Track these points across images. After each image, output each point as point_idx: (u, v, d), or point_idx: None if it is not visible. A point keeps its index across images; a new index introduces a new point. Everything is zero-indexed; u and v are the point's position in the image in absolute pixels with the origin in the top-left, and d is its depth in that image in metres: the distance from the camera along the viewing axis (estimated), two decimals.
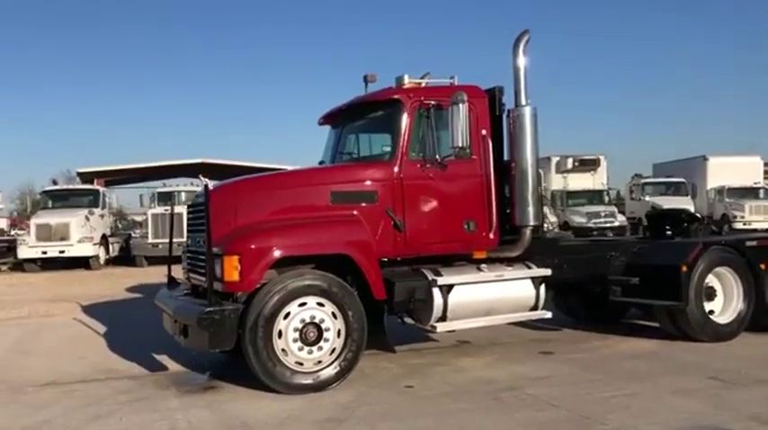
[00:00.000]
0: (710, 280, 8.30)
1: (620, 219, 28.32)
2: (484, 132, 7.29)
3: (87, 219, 21.96)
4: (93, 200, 23.40)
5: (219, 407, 5.98)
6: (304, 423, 5.43)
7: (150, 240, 21.85)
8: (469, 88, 7.34)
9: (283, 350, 6.20)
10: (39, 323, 11.24)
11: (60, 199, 23.69)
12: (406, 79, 7.31)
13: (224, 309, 6.06)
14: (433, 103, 7.04)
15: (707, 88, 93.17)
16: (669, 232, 9.58)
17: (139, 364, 7.75)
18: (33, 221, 21.96)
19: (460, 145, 6.73)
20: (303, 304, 6.27)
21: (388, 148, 7.12)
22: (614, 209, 28.98)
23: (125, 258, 24.18)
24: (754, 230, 26.54)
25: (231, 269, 6.07)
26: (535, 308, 7.45)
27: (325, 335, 6.32)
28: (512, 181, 7.43)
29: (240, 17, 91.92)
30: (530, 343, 8.53)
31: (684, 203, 28.57)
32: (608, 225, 27.48)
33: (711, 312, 8.28)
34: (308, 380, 6.27)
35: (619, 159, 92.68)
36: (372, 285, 6.53)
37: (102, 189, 24.95)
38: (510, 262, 7.48)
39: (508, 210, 7.59)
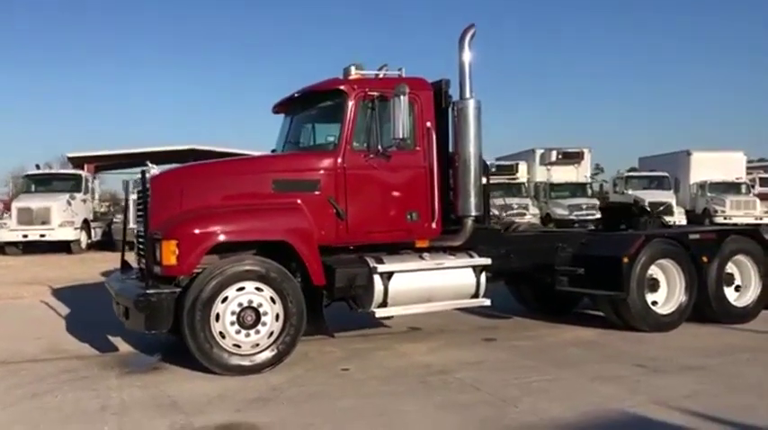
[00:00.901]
0: (654, 271, 8.50)
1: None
2: (428, 124, 7.46)
3: (69, 203, 22.08)
4: (75, 185, 23.49)
5: (156, 386, 6.17)
6: (231, 402, 5.62)
7: (132, 225, 21.87)
8: (414, 80, 7.51)
9: (221, 333, 6.38)
10: (5, 305, 11.42)
11: (43, 183, 23.78)
12: (353, 70, 7.45)
13: (160, 292, 6.26)
14: (376, 94, 7.19)
15: (703, 81, 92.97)
16: (623, 225, 9.82)
17: (91, 345, 7.95)
18: (15, 205, 22.08)
19: (401, 136, 6.89)
20: (241, 289, 6.46)
21: (332, 138, 7.28)
22: (596, 201, 29.16)
23: (108, 243, 24.28)
24: (735, 225, 27.01)
25: (169, 253, 6.25)
26: (476, 295, 7.63)
27: (263, 319, 6.51)
28: (455, 172, 7.59)
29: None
30: (478, 330, 8.73)
31: (666, 197, 28.92)
32: (589, 217, 27.69)
33: (655, 303, 8.48)
34: (245, 363, 6.46)
35: (613, 151, 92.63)
36: (311, 271, 6.72)
37: (84, 174, 25.06)
38: (453, 251, 7.67)
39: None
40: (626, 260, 8.16)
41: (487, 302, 7.71)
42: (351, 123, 7.17)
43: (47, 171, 25.05)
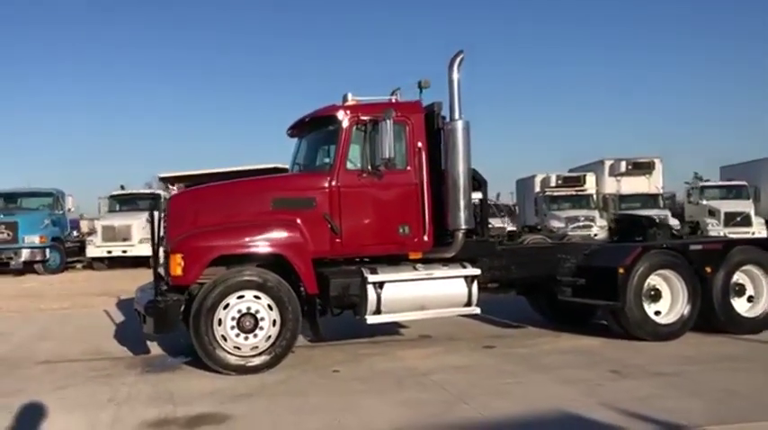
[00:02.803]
0: (656, 282, 8.68)
1: (672, 223, 27.84)
2: (420, 144, 8.01)
3: (148, 221, 23.71)
4: (155, 203, 25.16)
5: (164, 383, 7.00)
6: (220, 396, 6.35)
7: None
8: (407, 104, 8.12)
9: (223, 336, 7.16)
10: (72, 313, 12.73)
11: (126, 202, 25.62)
12: (350, 97, 8.12)
13: (167, 298, 7.12)
14: (368, 118, 7.82)
15: None
16: (639, 236, 9.99)
17: (128, 348, 8.90)
18: (100, 223, 23.99)
19: (387, 156, 7.48)
20: (241, 297, 7.23)
21: (328, 159, 7.96)
22: (667, 212, 28.45)
23: None
24: None
25: (175, 265, 7.12)
26: (468, 304, 8.07)
27: (261, 324, 7.25)
28: (445, 188, 8.07)
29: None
30: (484, 338, 9.12)
31: (744, 207, 27.93)
32: None
33: (658, 313, 8.66)
34: (245, 363, 7.21)
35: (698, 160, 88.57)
36: (305, 281, 7.41)
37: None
38: (447, 262, 8.15)
39: None
40: (622, 271, 8.40)
41: (478, 310, 8.14)
42: (344, 145, 7.82)
43: (129, 191, 26.91)
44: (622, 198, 29.64)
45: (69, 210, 25.25)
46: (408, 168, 7.99)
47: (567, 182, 30.12)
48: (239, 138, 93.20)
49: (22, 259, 21.82)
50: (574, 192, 29.90)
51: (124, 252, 23.21)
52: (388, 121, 7.46)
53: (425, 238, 8.02)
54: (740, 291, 9.04)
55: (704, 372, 6.84)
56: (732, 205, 28.27)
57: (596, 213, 28.36)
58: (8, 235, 21.76)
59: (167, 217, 7.73)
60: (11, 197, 24.05)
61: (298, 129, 8.85)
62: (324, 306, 7.87)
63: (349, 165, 7.84)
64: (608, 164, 30.77)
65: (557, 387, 6.41)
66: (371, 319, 7.72)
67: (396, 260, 8.15)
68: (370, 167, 7.77)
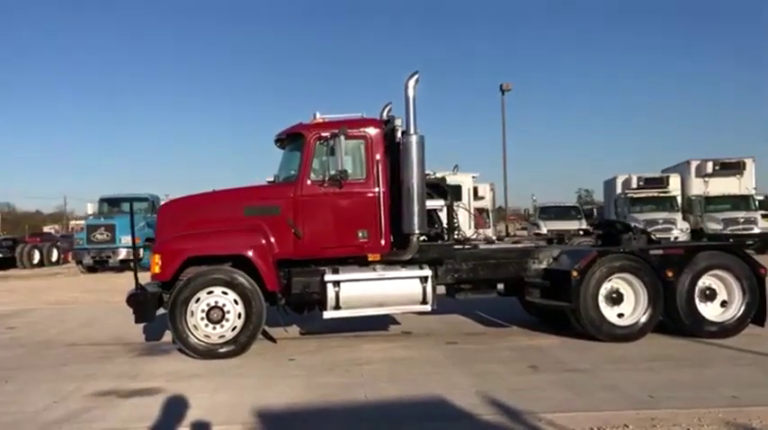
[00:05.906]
0: (620, 285, 8.99)
1: (763, 226, 26.60)
2: (378, 157, 8.82)
3: None
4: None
5: (143, 364, 8.28)
6: (174, 375, 7.51)
7: None
8: (366, 121, 8.98)
9: (194, 326, 8.33)
10: (117, 307, 14.29)
11: None
12: (318, 115, 9.07)
13: (146, 292, 8.37)
14: (328, 135, 8.73)
15: None
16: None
17: (146, 337, 10.28)
18: None
19: (340, 169, 8.40)
20: (211, 292, 8.36)
21: (294, 171, 8.94)
22: (757, 215, 27.18)
23: None
24: None
25: (154, 264, 8.38)
26: (424, 302, 8.79)
27: (227, 316, 8.35)
28: (400, 197, 8.81)
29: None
30: (456, 335, 9.76)
31: None
32: (746, 232, 26.04)
33: (621, 315, 8.98)
34: (214, 349, 8.34)
35: None
36: (265, 279, 8.44)
37: None
38: (407, 264, 8.91)
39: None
40: (575, 274, 8.79)
41: (428, 308, 8.81)
42: (307, 159, 8.78)
43: None
44: (709, 200, 28.58)
45: None
46: (367, 178, 8.81)
47: (648, 183, 29.39)
48: None
49: (120, 258, 24.40)
50: (656, 194, 29.17)
51: None
52: (341, 138, 8.37)
53: (382, 242, 8.83)
54: (711, 295, 9.14)
55: (612, 370, 7.20)
56: None
57: (678, 215, 27.52)
58: (107, 236, 24.44)
59: (156, 222, 8.99)
60: (113, 202, 26.82)
61: (279, 142, 9.87)
62: (288, 302, 8.88)
63: (313, 176, 8.79)
64: (694, 164, 29.68)
65: (462, 377, 7.05)
66: (329, 314, 8.62)
67: (363, 262, 9.00)
68: (329, 178, 8.67)
